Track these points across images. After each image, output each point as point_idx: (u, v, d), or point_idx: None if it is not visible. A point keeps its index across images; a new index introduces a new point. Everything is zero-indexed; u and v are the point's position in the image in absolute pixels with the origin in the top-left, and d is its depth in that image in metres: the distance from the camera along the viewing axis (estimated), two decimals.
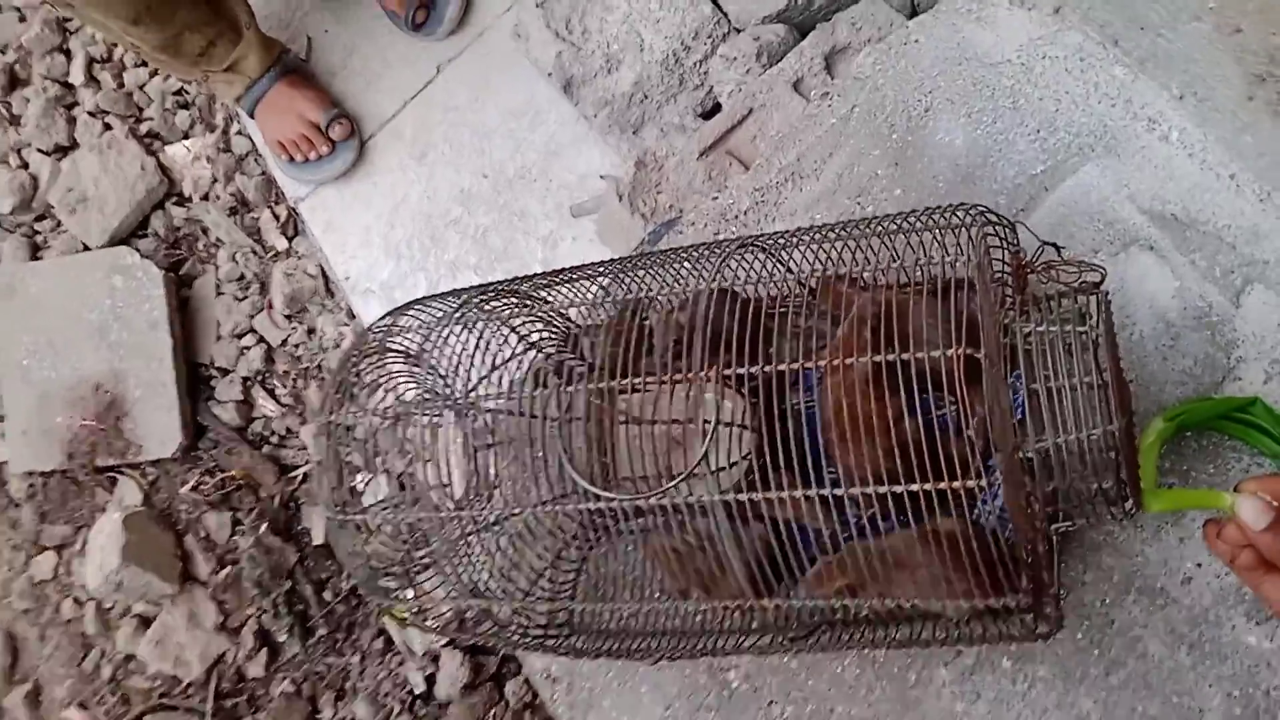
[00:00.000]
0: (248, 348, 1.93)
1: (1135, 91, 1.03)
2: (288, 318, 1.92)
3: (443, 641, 1.73)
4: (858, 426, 0.78)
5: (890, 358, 0.77)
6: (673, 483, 0.79)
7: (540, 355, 1.01)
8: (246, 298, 1.95)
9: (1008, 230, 0.87)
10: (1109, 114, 1.03)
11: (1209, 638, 0.90)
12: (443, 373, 0.95)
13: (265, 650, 1.81)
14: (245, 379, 1.93)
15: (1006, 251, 0.87)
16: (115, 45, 2.12)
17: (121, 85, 2.12)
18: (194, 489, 1.90)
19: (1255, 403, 0.91)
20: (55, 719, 1.93)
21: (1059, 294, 0.83)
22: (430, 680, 1.75)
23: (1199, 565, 0.92)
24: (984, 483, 0.73)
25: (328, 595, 1.83)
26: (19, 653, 2.01)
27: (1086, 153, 1.04)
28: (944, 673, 0.96)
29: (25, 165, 2.13)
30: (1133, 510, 0.79)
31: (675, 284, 0.93)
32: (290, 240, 1.95)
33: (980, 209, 0.84)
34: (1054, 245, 0.90)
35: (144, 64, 2.10)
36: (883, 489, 0.75)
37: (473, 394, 0.94)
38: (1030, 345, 0.79)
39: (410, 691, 1.76)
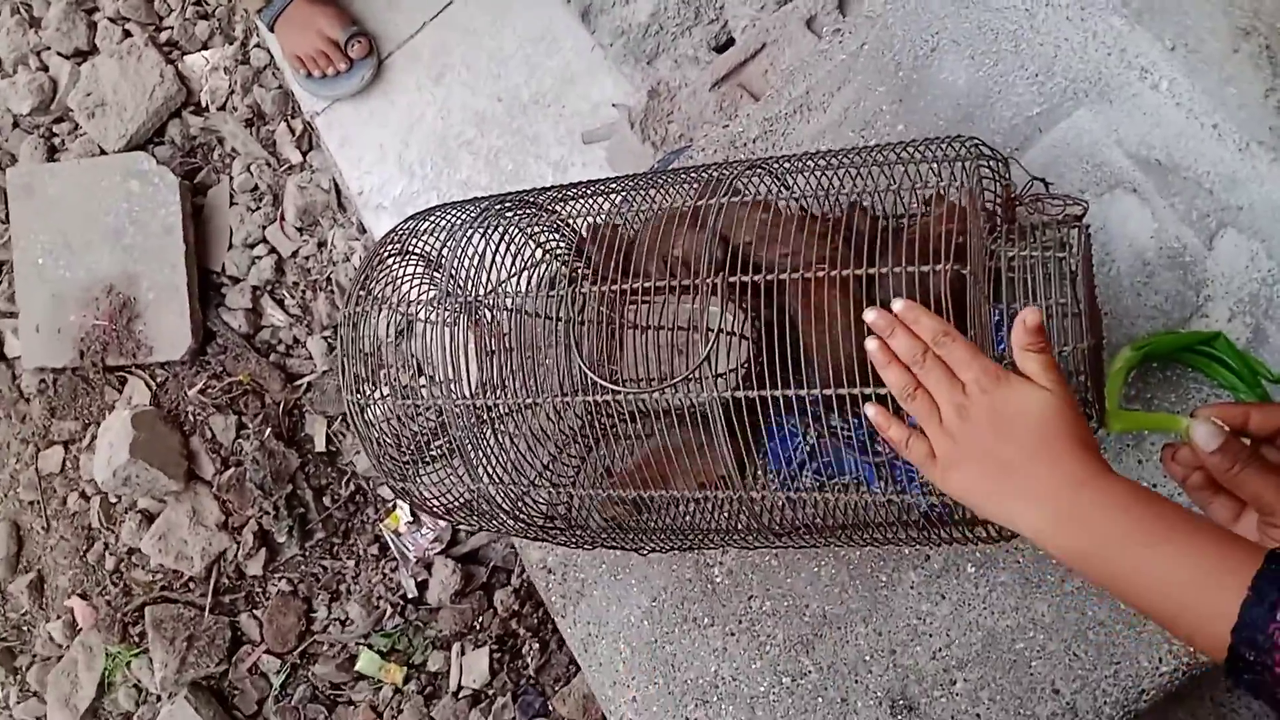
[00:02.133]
0: (259, 257, 1.98)
1: (1130, 41, 1.08)
2: (299, 230, 1.97)
3: (437, 549, 1.80)
4: (831, 331, 0.84)
5: (872, 271, 0.83)
6: (678, 378, 0.85)
7: (556, 262, 1.06)
8: (259, 208, 2.00)
9: (1000, 164, 0.93)
10: (1104, 62, 1.09)
11: None
12: (461, 276, 1.00)
13: (264, 550, 1.89)
14: (255, 288, 1.98)
15: (998, 184, 0.93)
16: None
17: None
18: (201, 391, 1.95)
19: (1218, 338, 0.97)
20: (58, 607, 2.01)
21: (1044, 225, 0.89)
22: (422, 586, 1.83)
23: (1154, 485, 0.99)
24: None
25: (327, 501, 1.90)
26: (24, 543, 2.08)
27: (1081, 98, 1.09)
28: (912, 575, 1.03)
29: (45, 68, 2.16)
30: (1097, 428, 0.86)
31: (687, 200, 0.98)
32: (305, 154, 1.99)
33: (976, 141, 0.90)
34: (1043, 181, 0.96)
35: None
36: (870, 390, 0.82)
37: (490, 296, 1.00)
38: (1014, 270, 0.85)
39: (403, 596, 1.84)
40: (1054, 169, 1.08)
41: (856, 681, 1.03)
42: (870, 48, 1.18)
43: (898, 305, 0.75)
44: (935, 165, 0.92)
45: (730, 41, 1.53)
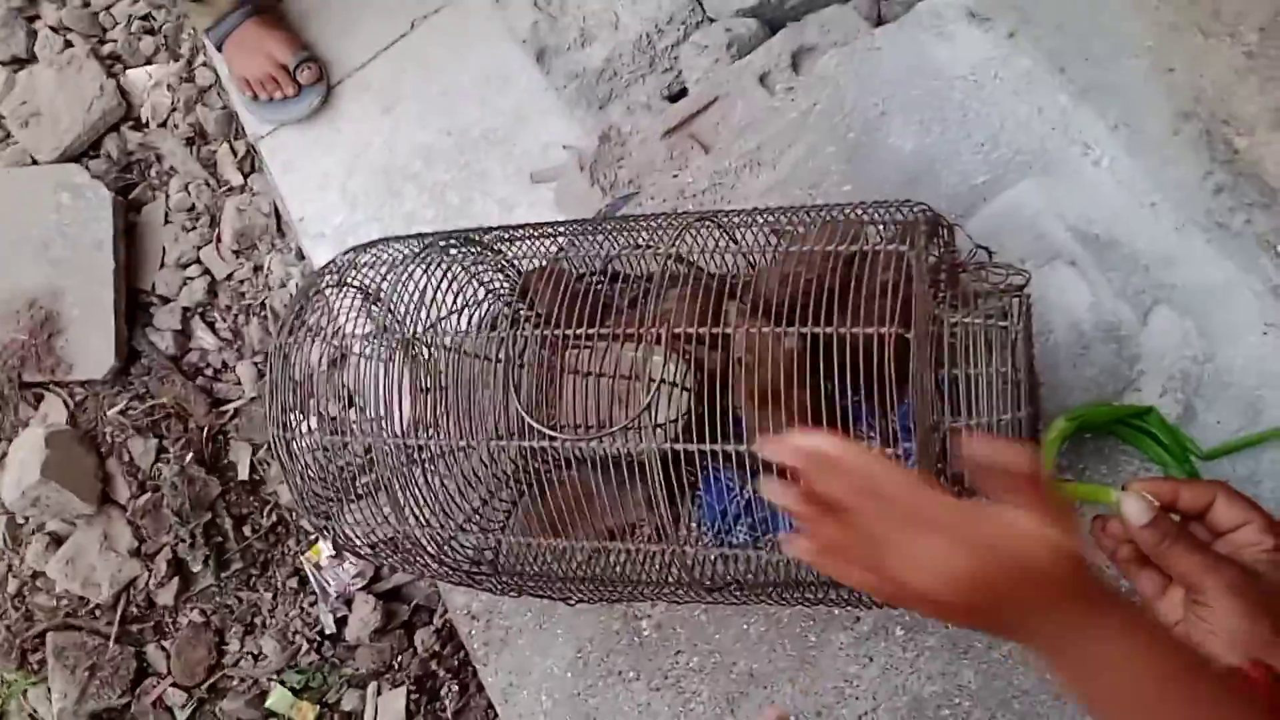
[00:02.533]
0: (191, 278, 1.93)
1: (1074, 118, 1.10)
2: (236, 253, 1.92)
3: (358, 585, 1.75)
4: (774, 399, 0.84)
5: (816, 330, 0.83)
6: (618, 426, 0.84)
7: (497, 302, 1.05)
8: (195, 229, 1.95)
9: (946, 230, 0.94)
10: (1049, 136, 1.11)
11: None
12: (400, 311, 0.98)
13: (178, 579, 1.82)
14: (186, 309, 1.93)
15: (943, 250, 0.94)
16: None
17: (87, 4, 2.10)
18: (122, 412, 1.89)
19: (1151, 412, 0.99)
20: None
21: (986, 293, 0.90)
22: (341, 623, 1.77)
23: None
24: (899, 452, 0.79)
25: (247, 531, 1.84)
26: None
27: (1024, 170, 1.11)
28: (842, 636, 1.03)
29: None
30: None
31: (632, 249, 0.98)
32: (246, 176, 1.95)
33: (923, 206, 0.91)
34: (986, 249, 0.97)
35: None
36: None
37: (428, 333, 0.98)
38: (955, 336, 0.85)
39: (320, 632, 1.78)
40: (996, 238, 1.09)
41: None
42: (822, 108, 1.20)
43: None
44: (882, 227, 0.93)
45: (683, 92, 1.54)
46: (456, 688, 1.70)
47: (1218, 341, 1.02)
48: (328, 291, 1.02)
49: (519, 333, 0.92)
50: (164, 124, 2.01)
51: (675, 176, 1.24)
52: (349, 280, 1.03)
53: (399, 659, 1.74)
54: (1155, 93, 0.98)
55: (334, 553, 1.76)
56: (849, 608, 1.02)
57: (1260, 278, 1.00)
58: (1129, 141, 1.07)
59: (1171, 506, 0.80)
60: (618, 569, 0.97)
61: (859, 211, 0.93)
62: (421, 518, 0.96)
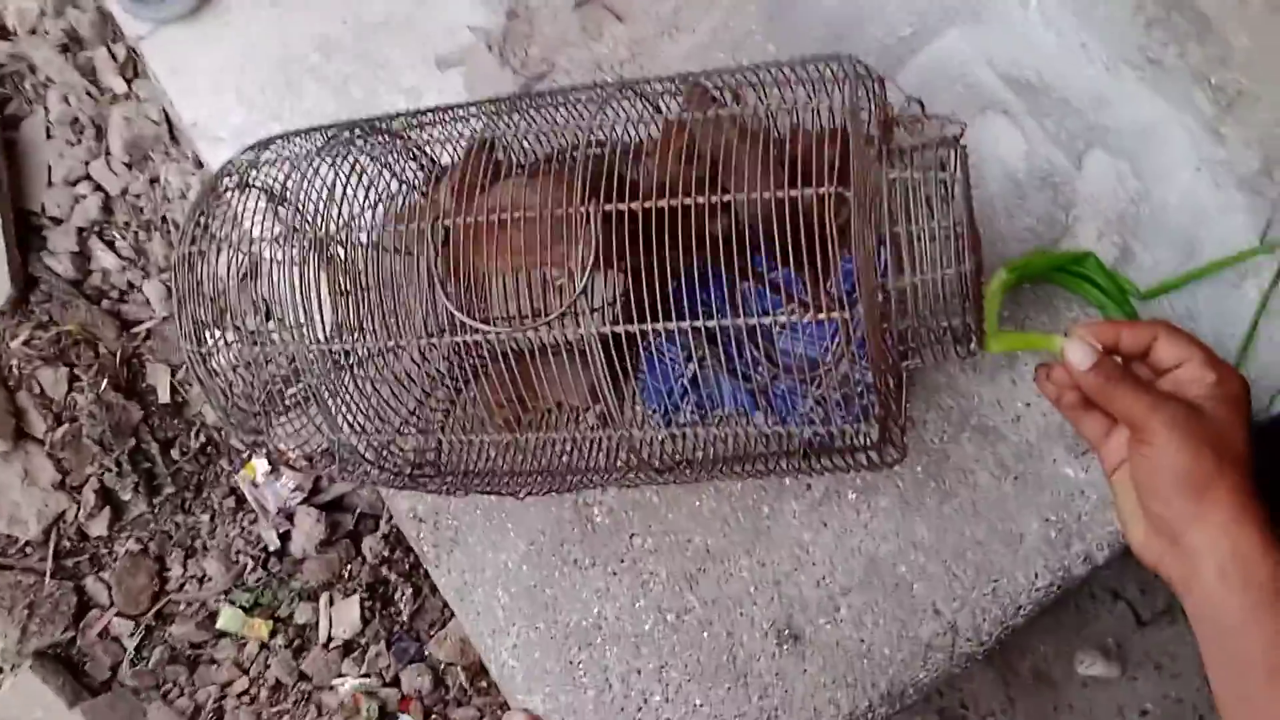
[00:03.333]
0: (83, 196, 1.82)
1: None
2: (128, 165, 1.81)
3: (298, 499, 1.72)
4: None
5: (766, 196, 0.80)
6: (553, 315, 0.80)
7: (413, 193, 0.99)
8: (81, 142, 1.83)
9: (877, 85, 0.90)
10: None
11: (1032, 470, 0.99)
12: (309, 210, 0.92)
13: (108, 509, 1.77)
14: (81, 229, 1.82)
15: (874, 105, 0.90)
16: None
17: None
18: (26, 343, 1.80)
19: (1088, 257, 0.98)
20: None
21: (921, 146, 0.87)
22: (285, 538, 1.75)
23: (1028, 405, 1.00)
24: (848, 315, 0.78)
25: (175, 454, 1.79)
26: None
27: (952, 18, 1.07)
28: (794, 505, 1.02)
29: None
30: (975, 349, 0.85)
31: (551, 125, 0.92)
32: (130, 82, 1.83)
33: (853, 60, 0.87)
34: (919, 101, 0.94)
35: None
36: (753, 320, 0.79)
37: (342, 231, 0.93)
38: (893, 193, 0.83)
39: (264, 549, 1.76)
40: (926, 90, 1.05)
41: (741, 614, 1.02)
42: None
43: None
44: (812, 85, 0.89)
45: None
46: (410, 591, 1.69)
47: (1152, 181, 1.01)
48: (229, 195, 0.95)
49: (439, 222, 0.87)
50: (33, 31, 1.86)
51: (590, 49, 1.18)
52: (250, 181, 0.96)
53: (348, 568, 1.73)
54: None
55: (270, 468, 1.72)
56: (800, 475, 1.02)
57: (1193, 114, 0.99)
58: None
59: (1114, 348, 0.81)
60: (564, 459, 0.95)
61: (785, 70, 0.89)
62: (356, 424, 0.92)
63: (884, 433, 0.85)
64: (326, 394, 0.90)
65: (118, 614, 1.75)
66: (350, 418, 0.91)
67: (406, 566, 1.70)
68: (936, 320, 0.82)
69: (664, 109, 0.95)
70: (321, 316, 0.90)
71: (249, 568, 1.76)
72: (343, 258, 0.96)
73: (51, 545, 1.76)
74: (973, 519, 0.99)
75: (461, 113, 0.98)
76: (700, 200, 0.80)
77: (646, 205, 0.80)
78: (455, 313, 0.84)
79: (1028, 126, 1.03)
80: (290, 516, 1.73)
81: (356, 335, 0.93)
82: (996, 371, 1.01)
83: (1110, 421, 0.81)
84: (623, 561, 1.05)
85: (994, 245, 1.01)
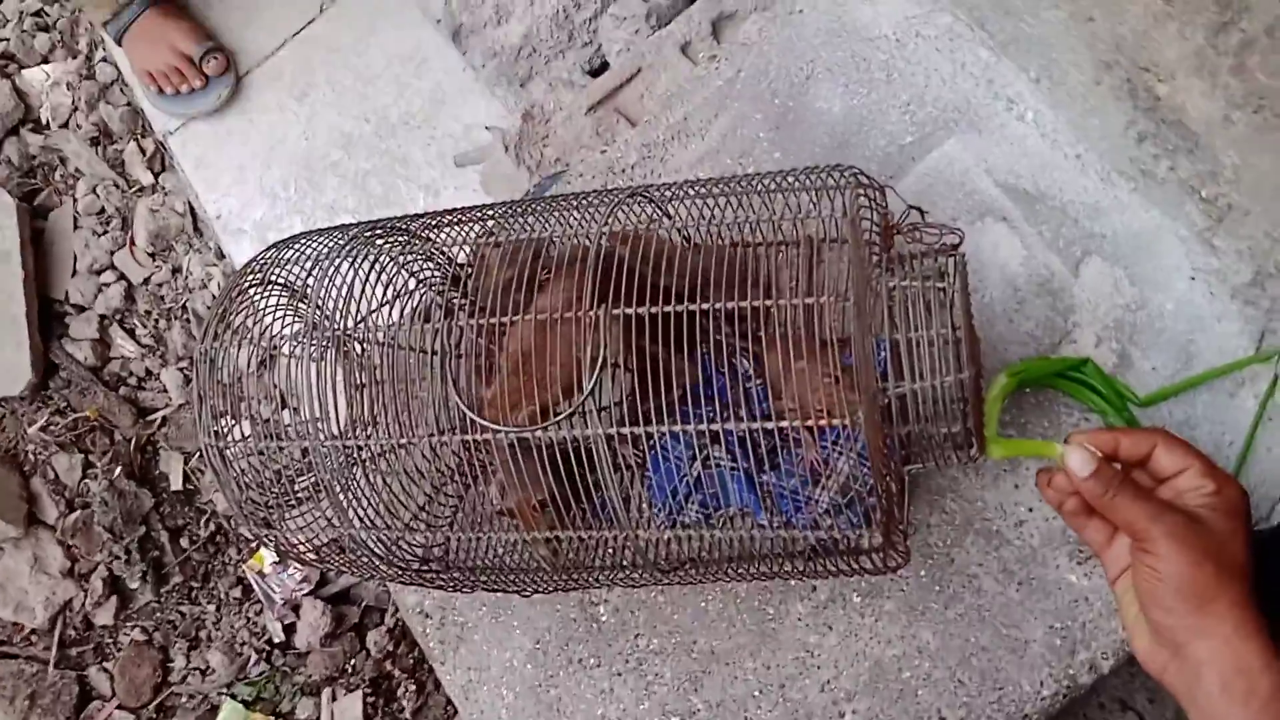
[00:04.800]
0: (107, 285, 1.87)
1: (997, 72, 1.10)
2: (151, 255, 1.86)
3: (305, 590, 1.72)
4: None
5: (767, 304, 0.82)
6: (559, 417, 0.82)
7: (429, 292, 1.02)
8: (107, 232, 1.88)
9: (877, 193, 0.93)
10: (973, 92, 1.11)
11: (1036, 576, 0.99)
12: (328, 307, 0.95)
13: (115, 597, 1.77)
14: (103, 317, 1.86)
15: (875, 212, 0.93)
16: None
17: None
18: (43, 429, 1.82)
19: (1087, 363, 1.00)
20: None
21: (921, 254, 0.90)
22: (290, 629, 1.74)
23: (1030, 510, 1.00)
24: (848, 422, 0.79)
25: (184, 543, 1.80)
26: None
27: (951, 127, 1.11)
28: (799, 607, 1.02)
29: None
30: (976, 455, 0.86)
31: (563, 229, 0.95)
32: (157, 175, 1.89)
33: (854, 170, 0.90)
34: (919, 209, 0.96)
35: None
36: (757, 425, 0.80)
37: (359, 328, 0.95)
38: (893, 299, 0.85)
39: (269, 641, 1.75)
40: (927, 197, 1.09)
41: (746, 718, 1.01)
42: (746, 75, 1.18)
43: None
44: (814, 194, 0.92)
45: (605, 65, 1.51)
46: (414, 687, 1.68)
47: (1149, 288, 1.03)
48: (251, 291, 0.98)
49: (454, 322, 0.90)
50: (66, 125, 1.93)
51: (603, 152, 1.22)
52: (273, 278, 0.99)
53: (352, 662, 1.71)
54: (1076, 43, 0.98)
55: (277, 559, 1.72)
56: (805, 578, 1.02)
57: (1185, 223, 1.02)
58: (1052, 94, 1.07)
59: (1113, 456, 0.81)
60: (571, 556, 0.95)
61: (789, 179, 0.92)
62: (366, 519, 0.93)
63: (887, 536, 0.85)
64: (338, 488, 0.91)
65: (119, 706, 1.74)
66: (361, 512, 0.92)
67: (410, 662, 1.69)
68: (937, 426, 0.83)
69: (673, 213, 0.98)
70: (337, 411, 0.91)
71: (252, 660, 1.74)
72: (360, 354, 0.98)
73: (57, 634, 1.76)
74: (978, 625, 0.99)
75: (477, 214, 1.01)
76: (706, 306, 0.82)
77: (654, 310, 0.82)
78: (466, 410, 0.86)
79: (1026, 233, 1.06)
80: (296, 608, 1.73)
81: (370, 430, 0.95)
82: (999, 476, 1.02)
83: (1112, 529, 0.81)
84: (628, 662, 1.05)
85: (994, 350, 1.03)
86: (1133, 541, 0.76)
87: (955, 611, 0.99)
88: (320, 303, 0.95)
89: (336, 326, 0.93)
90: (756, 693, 1.01)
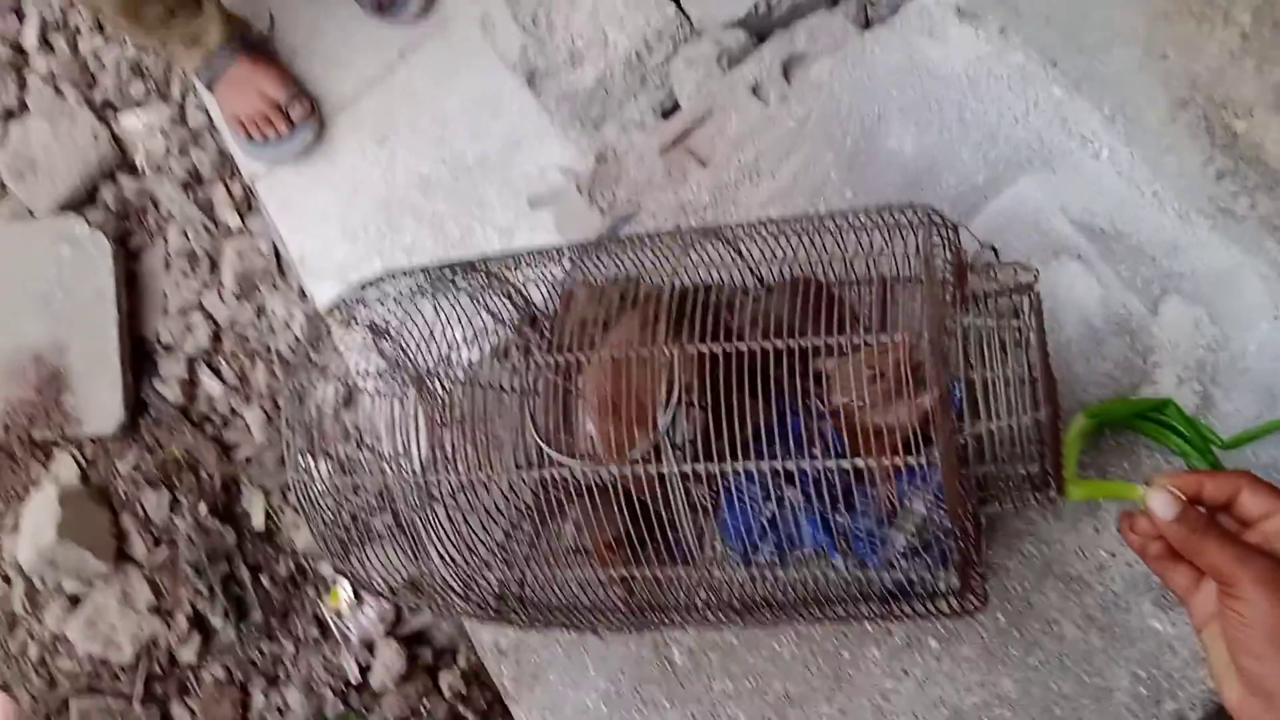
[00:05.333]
0: (194, 325, 1.93)
1: (1071, 110, 1.10)
2: (237, 296, 1.92)
3: (380, 630, 1.74)
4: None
5: (840, 341, 0.82)
6: (635, 453, 0.83)
7: (506, 331, 1.04)
8: (196, 274, 1.95)
9: (951, 231, 0.93)
10: (1046, 130, 1.10)
11: (1119, 622, 0.97)
12: (410, 346, 0.98)
13: (198, 634, 1.81)
14: (190, 357, 1.92)
15: (949, 251, 0.93)
16: (72, 4, 2.10)
17: (76, 52, 2.10)
18: (133, 467, 1.88)
19: (1168, 404, 0.98)
20: None
21: (995, 292, 0.89)
22: (365, 669, 1.76)
23: (1112, 554, 0.98)
24: (924, 460, 0.79)
25: (265, 580, 1.83)
26: None
27: (1024, 166, 1.11)
28: (875, 652, 1.01)
29: None
30: (1055, 496, 0.85)
31: (637, 268, 0.97)
32: (244, 218, 1.95)
33: (928, 209, 0.90)
34: (992, 248, 0.96)
35: (100, 31, 2.09)
36: (832, 463, 0.80)
37: (439, 367, 0.97)
38: (968, 338, 0.84)
39: (345, 680, 1.77)
40: (1001, 236, 1.08)
41: None
42: (817, 115, 1.19)
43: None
44: (887, 231, 0.92)
45: (677, 107, 1.54)
46: None
47: (1230, 328, 1.01)
48: (336, 331, 1.01)
49: (531, 361, 0.92)
50: (159, 169, 2.02)
51: (675, 193, 1.24)
52: (357, 318, 1.02)
53: (425, 702, 1.73)
54: (1150, 81, 0.97)
55: (354, 598, 1.75)
56: (880, 621, 1.01)
57: (1267, 261, 1.00)
58: (1127, 131, 1.06)
59: (1197, 499, 0.79)
60: (645, 595, 0.96)
61: (862, 217, 0.93)
62: (445, 555, 0.95)
63: (964, 579, 0.85)
64: (420, 525, 0.93)
65: None
66: (440, 548, 0.94)
67: (484, 704, 1.70)
68: (1014, 466, 0.82)
69: (745, 252, 0.98)
70: (417, 448, 0.94)
71: (329, 700, 1.77)
72: (440, 392, 1.00)
73: (142, 670, 1.80)
74: (1059, 672, 0.97)
75: (554, 254, 1.03)
76: (780, 345, 0.83)
77: (728, 348, 0.83)
78: (544, 446, 0.88)
79: (1102, 272, 1.05)
80: (372, 647, 1.75)
81: (449, 467, 0.97)
82: (1079, 519, 1.00)
83: (1198, 574, 0.79)
84: (701, 704, 1.05)
85: (1071, 390, 1.02)
86: (1219, 587, 0.75)
87: (1036, 659, 0.98)
88: (402, 342, 0.97)
89: (418, 365, 0.95)
90: None
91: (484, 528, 0.97)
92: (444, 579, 0.95)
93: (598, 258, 1.00)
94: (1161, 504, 0.77)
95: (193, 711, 1.78)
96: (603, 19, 1.52)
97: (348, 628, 1.73)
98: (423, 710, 1.71)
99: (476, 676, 1.70)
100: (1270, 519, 0.76)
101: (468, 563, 0.94)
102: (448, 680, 1.70)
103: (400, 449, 0.93)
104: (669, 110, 1.56)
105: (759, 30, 1.49)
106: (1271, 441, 0.98)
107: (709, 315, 0.85)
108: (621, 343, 0.90)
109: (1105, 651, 0.96)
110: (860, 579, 0.89)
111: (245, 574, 1.81)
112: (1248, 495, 0.77)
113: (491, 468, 0.95)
